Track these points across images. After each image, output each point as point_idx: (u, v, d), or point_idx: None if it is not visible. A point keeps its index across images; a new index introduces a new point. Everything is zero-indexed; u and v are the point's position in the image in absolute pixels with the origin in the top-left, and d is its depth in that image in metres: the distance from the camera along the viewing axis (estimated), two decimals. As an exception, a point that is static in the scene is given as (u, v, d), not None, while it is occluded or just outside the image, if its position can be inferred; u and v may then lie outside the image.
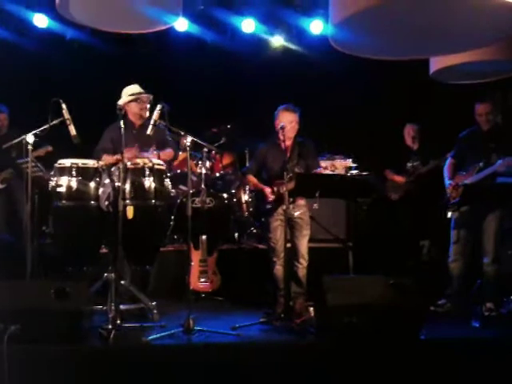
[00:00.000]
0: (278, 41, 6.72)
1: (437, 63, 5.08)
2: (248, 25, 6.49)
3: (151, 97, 4.68)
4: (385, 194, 6.15)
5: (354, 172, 5.68)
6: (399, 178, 6.04)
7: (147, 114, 4.62)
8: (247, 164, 5.86)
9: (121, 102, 4.54)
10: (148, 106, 4.63)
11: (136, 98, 4.62)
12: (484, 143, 4.67)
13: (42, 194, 4.62)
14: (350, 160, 4.77)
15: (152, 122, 4.13)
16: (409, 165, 6.00)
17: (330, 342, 3.69)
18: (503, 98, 6.42)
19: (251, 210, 6.01)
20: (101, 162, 4.36)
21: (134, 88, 4.68)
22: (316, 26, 6.49)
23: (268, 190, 4.53)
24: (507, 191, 4.40)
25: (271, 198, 4.50)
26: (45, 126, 4.19)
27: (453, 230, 4.75)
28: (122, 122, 3.97)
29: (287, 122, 4.47)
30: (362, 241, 5.66)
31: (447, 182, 4.86)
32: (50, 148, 5.32)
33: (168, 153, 4.75)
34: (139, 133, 4.64)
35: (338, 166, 4.48)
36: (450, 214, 4.76)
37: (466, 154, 4.83)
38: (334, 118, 6.64)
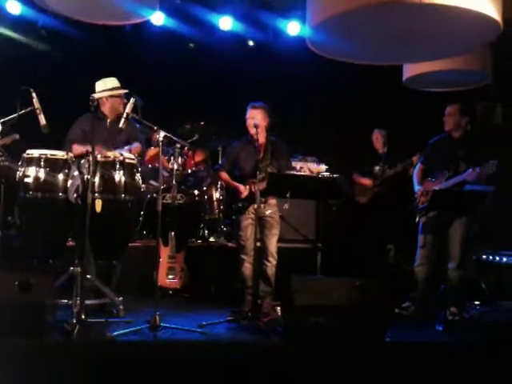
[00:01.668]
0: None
1: (410, 70, 5.17)
2: (225, 23, 6.48)
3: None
4: (353, 198, 6.22)
5: (325, 174, 5.73)
6: (367, 181, 6.12)
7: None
8: (220, 162, 5.85)
9: (100, 95, 4.47)
10: (125, 100, 4.55)
11: (117, 94, 4.55)
12: (453, 151, 4.76)
13: (9, 184, 4.51)
14: (324, 165, 4.83)
15: (124, 115, 4.09)
16: (377, 168, 6.09)
17: (295, 342, 3.71)
18: (472, 107, 6.57)
19: (222, 207, 6.01)
20: (70, 154, 4.29)
21: (113, 81, 4.60)
22: (293, 28, 6.52)
23: (241, 187, 4.52)
24: (474, 199, 4.49)
25: (244, 195, 4.50)
26: (13, 115, 4.09)
27: (420, 235, 4.83)
28: (94, 114, 3.91)
29: (250, 118, 4.51)
30: (331, 242, 5.71)
31: (416, 187, 4.94)
32: (16, 136, 5.19)
33: (137, 147, 4.71)
34: (111, 126, 4.58)
35: (314, 170, 4.52)
36: (417, 219, 4.84)
37: (435, 160, 4.92)
38: (306, 118, 6.70)
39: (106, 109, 4.64)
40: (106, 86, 4.56)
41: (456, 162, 4.68)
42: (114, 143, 4.54)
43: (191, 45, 6.81)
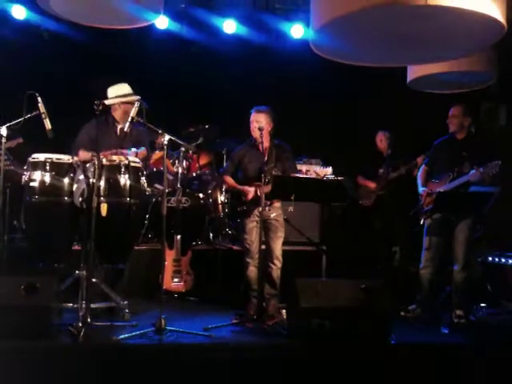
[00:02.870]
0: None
1: (414, 72, 5.17)
2: (229, 26, 6.49)
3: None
4: (357, 200, 6.22)
5: (330, 177, 5.74)
6: (371, 184, 6.11)
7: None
8: (224, 164, 5.86)
9: (113, 102, 4.50)
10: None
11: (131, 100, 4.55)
12: (457, 152, 4.74)
13: (14, 187, 4.54)
14: (330, 168, 4.81)
15: (129, 119, 4.10)
16: (381, 171, 6.08)
17: (301, 345, 3.71)
18: (476, 108, 6.56)
19: (227, 210, 6.01)
20: (75, 158, 4.31)
21: (126, 88, 4.61)
22: (297, 30, 6.53)
23: (248, 188, 4.53)
24: (479, 200, 4.47)
25: (250, 196, 4.50)
26: (19, 119, 4.11)
27: (425, 237, 4.81)
28: (101, 119, 3.91)
29: (254, 121, 4.51)
30: (336, 245, 5.71)
31: (420, 189, 4.93)
32: (20, 140, 5.23)
33: (143, 152, 4.73)
34: (121, 132, 4.61)
35: (320, 173, 4.52)
36: (422, 221, 4.83)
37: (439, 161, 4.91)
38: (310, 121, 6.70)
39: (117, 114, 4.66)
40: (119, 92, 4.58)
41: (460, 164, 4.66)
42: (122, 148, 4.56)
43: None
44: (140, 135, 4.71)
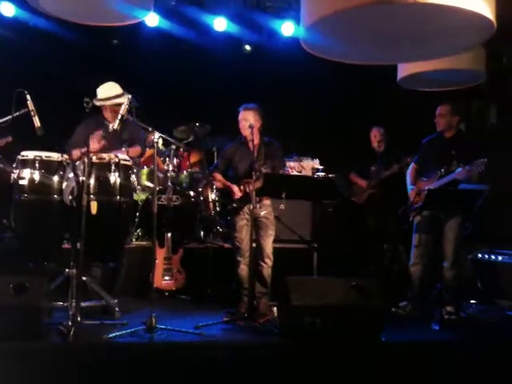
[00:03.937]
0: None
1: (404, 70, 5.18)
2: (220, 23, 6.48)
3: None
4: (350, 198, 6.22)
5: (321, 174, 5.74)
6: (362, 182, 6.11)
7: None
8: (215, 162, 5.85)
9: (102, 103, 4.47)
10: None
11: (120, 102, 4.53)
12: (446, 150, 4.75)
13: (3, 186, 4.50)
14: (317, 161, 4.79)
15: (119, 116, 4.08)
16: (373, 168, 6.08)
17: (292, 343, 3.71)
18: (466, 106, 6.59)
19: (218, 208, 6.00)
20: (65, 156, 4.28)
21: (115, 88, 4.58)
22: (287, 28, 6.53)
23: (235, 188, 4.54)
24: (468, 197, 4.49)
25: (238, 195, 4.51)
26: (8, 117, 4.08)
27: (414, 234, 4.84)
28: (93, 118, 3.90)
29: (243, 119, 4.52)
30: (327, 242, 5.71)
31: (410, 186, 4.95)
32: (10, 138, 5.20)
33: (136, 150, 4.71)
34: (113, 131, 4.59)
35: (306, 166, 4.51)
36: (411, 219, 4.84)
37: (428, 159, 4.93)
38: (302, 119, 6.70)
39: (107, 115, 4.65)
40: (107, 93, 4.55)
41: (448, 162, 4.68)
42: (115, 147, 4.54)
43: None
44: (134, 133, 4.69)
